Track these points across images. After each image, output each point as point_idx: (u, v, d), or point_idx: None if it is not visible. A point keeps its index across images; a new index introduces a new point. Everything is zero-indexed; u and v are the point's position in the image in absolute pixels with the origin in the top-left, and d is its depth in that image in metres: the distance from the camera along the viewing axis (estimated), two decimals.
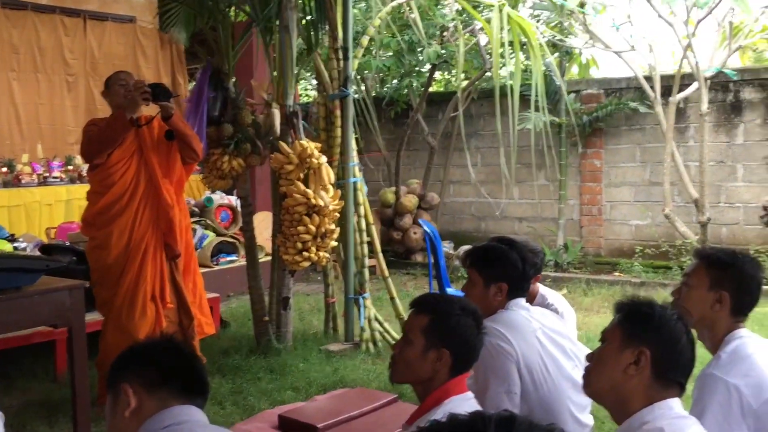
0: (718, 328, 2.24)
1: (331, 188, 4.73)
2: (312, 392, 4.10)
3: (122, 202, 3.84)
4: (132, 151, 3.87)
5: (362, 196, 5.27)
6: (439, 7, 7.51)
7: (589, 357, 1.87)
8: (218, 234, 6.79)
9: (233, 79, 4.91)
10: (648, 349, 1.74)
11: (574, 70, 8.84)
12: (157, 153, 3.92)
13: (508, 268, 2.69)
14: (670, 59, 8.90)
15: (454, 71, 9.02)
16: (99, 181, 3.88)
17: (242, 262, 6.13)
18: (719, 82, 7.25)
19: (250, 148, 4.84)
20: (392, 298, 5.25)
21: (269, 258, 5.49)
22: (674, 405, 1.73)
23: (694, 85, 6.99)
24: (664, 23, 6.99)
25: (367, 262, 5.31)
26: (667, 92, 7.17)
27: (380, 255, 5.42)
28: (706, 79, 6.88)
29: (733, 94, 7.33)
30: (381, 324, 5.15)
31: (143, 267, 3.85)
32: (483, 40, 7.77)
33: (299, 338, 5.17)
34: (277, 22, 4.80)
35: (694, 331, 1.94)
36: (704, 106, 6.87)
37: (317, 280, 7.30)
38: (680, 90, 7.07)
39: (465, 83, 8.25)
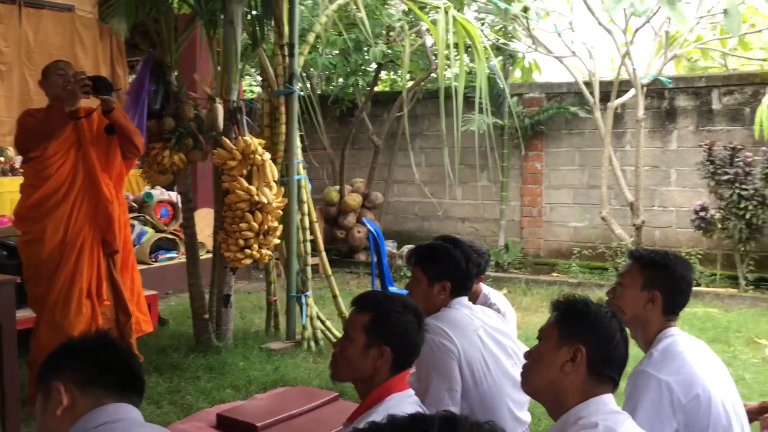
0: (650, 326, 2.32)
1: (274, 185, 4.69)
2: (252, 391, 4.06)
3: (58, 195, 3.72)
4: (69, 143, 3.75)
5: (306, 194, 5.25)
6: (386, 6, 7.53)
7: (527, 355, 1.91)
8: (157, 230, 6.65)
9: (175, 73, 4.81)
10: (584, 346, 1.78)
11: (517, 74, 8.99)
12: (96, 147, 3.81)
13: (452, 266, 2.72)
14: (609, 66, 9.15)
15: (400, 71, 9.06)
16: (34, 173, 3.75)
17: (182, 259, 6.01)
18: (655, 90, 7.49)
19: (192, 143, 4.76)
20: (335, 297, 5.24)
21: (210, 255, 5.40)
22: (608, 401, 1.77)
23: (632, 92, 7.20)
24: (604, 31, 7.18)
25: (310, 260, 5.29)
26: (605, 98, 7.37)
27: (323, 253, 5.40)
28: (642, 86, 7.09)
29: (667, 102, 7.59)
30: (323, 322, 5.14)
31: (79, 263, 3.74)
32: (429, 41, 7.83)
33: (240, 336, 5.12)
34: (222, 16, 4.73)
35: (627, 330, 2.00)
36: (640, 112, 7.08)
37: (259, 278, 7.24)
38: (618, 96, 7.28)
39: (411, 84, 8.30)
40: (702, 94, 7.43)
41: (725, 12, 5.49)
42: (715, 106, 7.36)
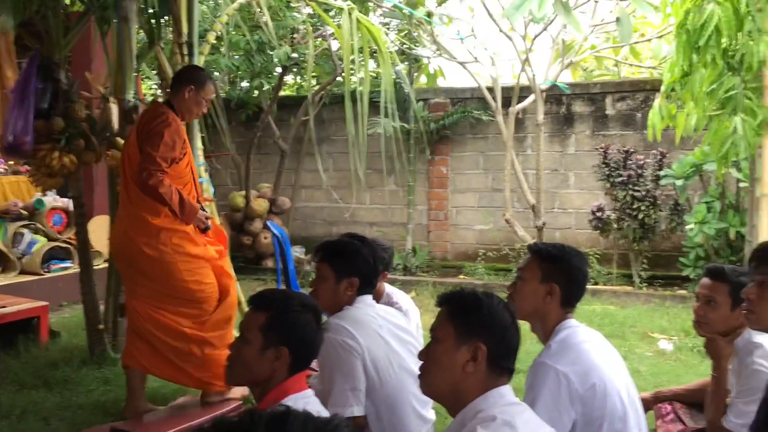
0: (549, 318, 2.35)
1: None
2: (152, 403, 3.87)
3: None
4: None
5: (209, 198, 5.08)
6: (290, 8, 7.45)
7: (421, 355, 1.85)
8: (50, 239, 6.31)
9: (65, 70, 4.56)
10: (483, 343, 1.76)
11: (422, 80, 9.11)
12: None
13: (360, 263, 2.70)
14: (510, 72, 9.41)
15: (305, 75, 8.98)
16: (177, 176, 3.58)
17: (78, 269, 5.72)
18: (554, 95, 7.75)
19: (83, 144, 4.52)
20: (240, 304, 5.09)
21: (108, 264, 5.15)
22: (506, 392, 1.77)
23: (531, 97, 7.41)
24: (505, 38, 7.36)
25: None
26: (507, 103, 7.55)
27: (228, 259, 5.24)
28: (541, 91, 7.31)
29: (565, 107, 7.86)
30: None
31: None
32: (335, 45, 7.80)
33: None
34: (115, 12, 4.53)
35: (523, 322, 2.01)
36: (540, 117, 7.30)
37: None
38: (519, 101, 7.47)
39: (316, 87, 8.24)
40: (597, 100, 7.74)
41: (617, 20, 5.73)
42: (609, 111, 7.68)
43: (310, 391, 1.97)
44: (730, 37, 4.14)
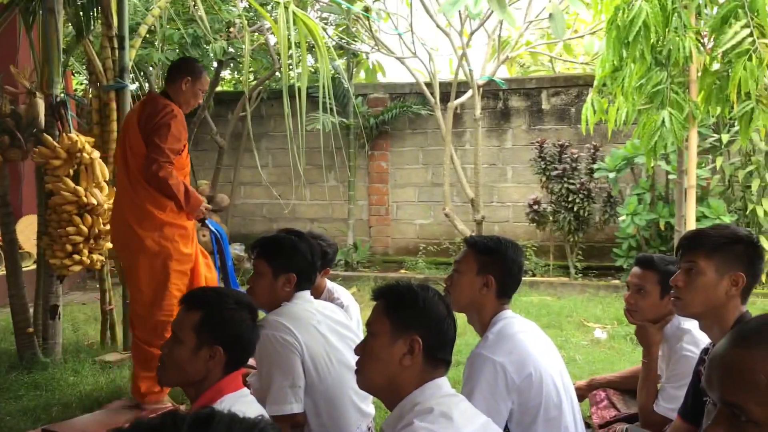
0: (485, 310, 2.38)
1: (105, 186, 4.40)
2: (85, 407, 3.76)
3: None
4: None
5: None
6: (225, 2, 7.32)
7: (357, 350, 1.85)
8: None
9: None
10: (419, 336, 1.76)
11: (361, 75, 9.10)
12: None
13: (298, 258, 2.68)
14: (448, 67, 9.48)
15: (243, 70, 8.85)
16: (180, 168, 3.71)
17: (4, 271, 5.49)
18: (491, 91, 7.85)
19: (8, 140, 4.34)
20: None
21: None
22: (442, 384, 1.78)
23: (469, 93, 7.49)
24: (442, 33, 7.42)
25: None
26: (445, 98, 7.62)
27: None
28: (479, 87, 7.40)
29: (502, 102, 7.97)
30: None
31: None
32: (272, 40, 7.71)
33: (71, 350, 4.74)
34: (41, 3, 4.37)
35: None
36: (477, 111, 7.38)
37: (95, 287, 6.76)
38: (457, 96, 7.54)
39: (254, 83, 8.13)
40: (533, 95, 7.88)
41: (550, 16, 5.85)
42: (545, 106, 7.83)
43: (246, 390, 1.93)
44: (658, 33, 4.25)
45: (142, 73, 7.89)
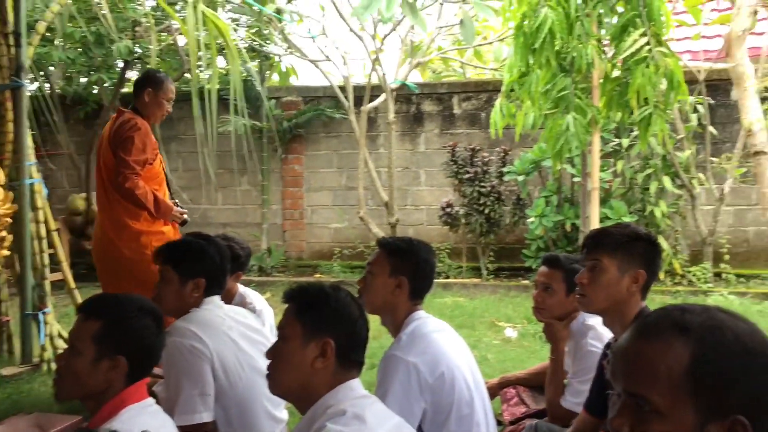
0: (398, 311, 2.39)
1: (0, 190, 4.15)
2: None
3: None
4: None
5: (41, 200, 4.72)
6: None
7: (268, 354, 1.81)
8: None
9: None
10: (331, 338, 1.74)
11: (275, 78, 8.99)
12: None
13: (206, 263, 2.61)
14: (362, 71, 9.52)
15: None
16: (152, 177, 3.91)
17: None
18: (404, 95, 7.92)
19: None
20: None
21: None
22: (355, 386, 1.76)
23: (382, 96, 7.53)
24: (355, 37, 7.43)
25: (50, 274, 4.77)
26: (359, 102, 7.63)
27: (64, 264, 4.91)
28: (392, 90, 7.45)
29: (415, 106, 8.06)
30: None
31: None
32: (182, 40, 7.51)
33: None
34: None
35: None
36: (391, 115, 7.43)
37: None
38: (371, 100, 7.57)
39: None
40: (445, 100, 8.00)
41: (461, 22, 5.96)
42: (456, 110, 7.96)
43: (150, 400, 1.85)
44: (563, 40, 4.41)
45: (41, 73, 7.53)
